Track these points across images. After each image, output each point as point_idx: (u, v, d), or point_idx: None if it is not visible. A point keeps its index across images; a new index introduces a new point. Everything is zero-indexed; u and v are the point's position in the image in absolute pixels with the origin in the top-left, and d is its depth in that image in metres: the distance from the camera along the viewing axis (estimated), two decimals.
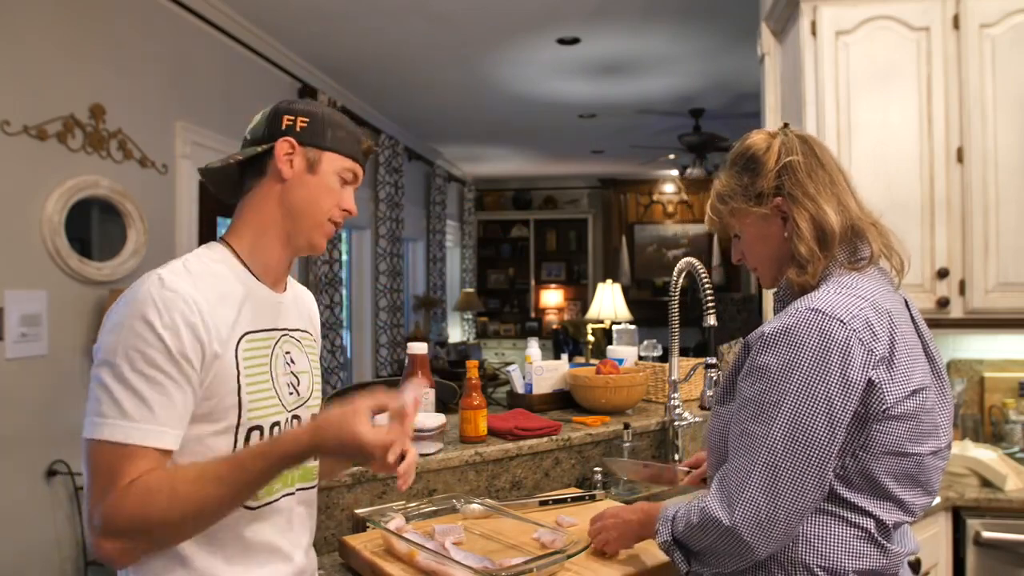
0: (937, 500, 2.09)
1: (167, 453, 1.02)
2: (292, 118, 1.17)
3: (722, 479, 1.13)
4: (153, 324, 1.00)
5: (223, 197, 1.25)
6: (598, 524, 1.41)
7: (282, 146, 1.15)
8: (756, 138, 1.27)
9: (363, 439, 0.98)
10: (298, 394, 1.20)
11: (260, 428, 1.11)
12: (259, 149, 1.16)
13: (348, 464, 1.32)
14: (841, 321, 1.06)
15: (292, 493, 1.18)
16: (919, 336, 1.18)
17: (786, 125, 1.28)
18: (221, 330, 1.07)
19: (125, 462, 0.98)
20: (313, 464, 1.24)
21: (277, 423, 1.14)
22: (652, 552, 1.44)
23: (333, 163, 1.18)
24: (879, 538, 1.10)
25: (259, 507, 1.12)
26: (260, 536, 1.12)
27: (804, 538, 1.11)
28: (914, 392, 1.08)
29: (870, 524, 1.10)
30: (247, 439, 1.10)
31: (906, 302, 1.22)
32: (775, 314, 1.21)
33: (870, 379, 1.05)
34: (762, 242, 1.26)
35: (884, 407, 1.06)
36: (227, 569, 1.08)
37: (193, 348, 1.03)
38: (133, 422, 0.98)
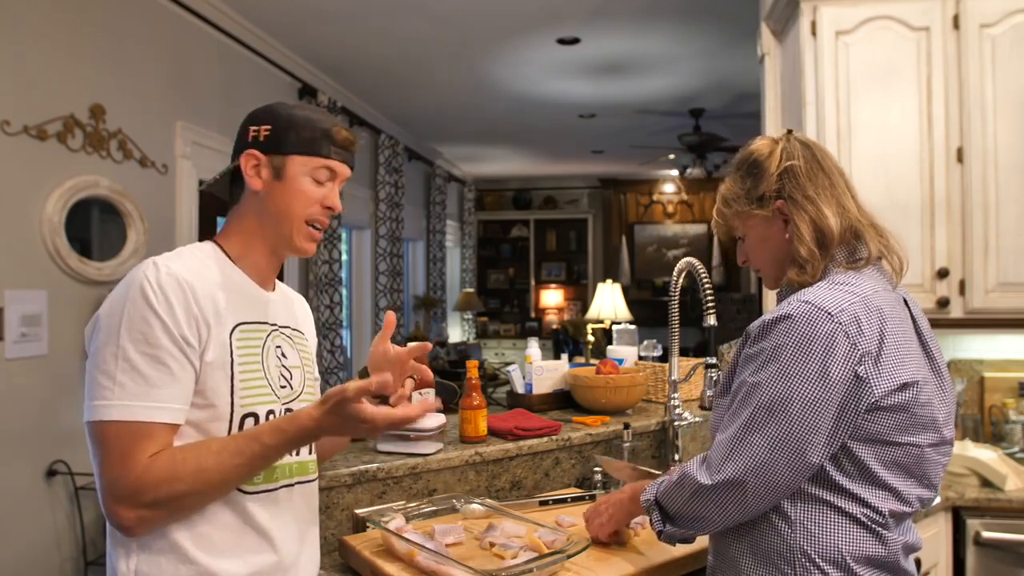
0: (938, 499, 2.10)
1: (174, 427, 1.06)
2: (256, 128, 1.20)
3: (710, 450, 1.20)
4: (153, 305, 1.05)
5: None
6: (592, 511, 1.47)
7: (247, 159, 1.19)
8: (760, 144, 1.32)
9: (365, 413, 1.03)
10: (291, 387, 1.22)
11: (255, 416, 1.14)
12: (233, 165, 1.21)
13: (344, 444, 1.40)
14: (829, 314, 1.10)
15: (291, 485, 1.20)
16: (917, 334, 1.21)
17: (790, 131, 1.32)
18: (216, 314, 1.11)
19: (137, 439, 1.02)
20: (310, 458, 1.26)
21: (272, 411, 1.16)
22: (653, 551, 1.44)
23: (300, 166, 1.19)
24: (874, 526, 1.12)
25: (256, 492, 1.14)
26: (253, 522, 1.13)
27: (800, 525, 1.13)
28: (904, 386, 1.11)
29: (865, 512, 1.12)
30: (241, 426, 1.12)
31: (905, 300, 1.24)
32: None
33: (856, 374, 1.09)
34: (765, 244, 1.30)
35: (873, 400, 1.09)
36: (216, 554, 1.09)
37: (190, 328, 1.07)
38: (139, 401, 1.03)
